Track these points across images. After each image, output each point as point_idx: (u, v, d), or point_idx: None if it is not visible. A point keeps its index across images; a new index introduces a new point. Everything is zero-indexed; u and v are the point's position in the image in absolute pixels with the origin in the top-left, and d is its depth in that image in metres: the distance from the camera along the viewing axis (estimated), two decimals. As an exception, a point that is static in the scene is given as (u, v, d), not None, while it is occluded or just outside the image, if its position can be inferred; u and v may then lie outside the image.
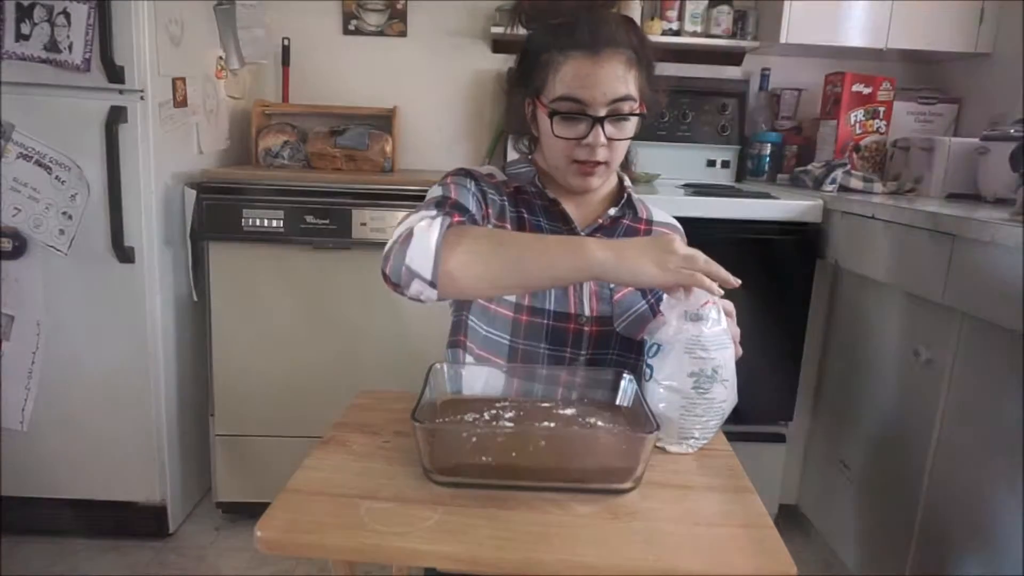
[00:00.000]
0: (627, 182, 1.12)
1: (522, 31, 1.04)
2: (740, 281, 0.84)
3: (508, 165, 1.11)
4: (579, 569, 0.64)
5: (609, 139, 0.97)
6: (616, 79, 0.95)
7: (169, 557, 1.89)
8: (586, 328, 1.03)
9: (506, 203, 1.05)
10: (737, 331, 0.91)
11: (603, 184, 1.05)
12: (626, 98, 0.96)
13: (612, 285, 1.04)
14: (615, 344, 1.04)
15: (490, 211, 1.03)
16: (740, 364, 0.89)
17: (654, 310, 1.04)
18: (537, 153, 1.10)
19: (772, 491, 2.03)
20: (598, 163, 0.99)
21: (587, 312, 1.03)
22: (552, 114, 0.97)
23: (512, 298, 1.01)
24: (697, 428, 0.86)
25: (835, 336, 1.96)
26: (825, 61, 2.35)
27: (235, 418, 1.97)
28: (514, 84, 1.07)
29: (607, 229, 1.08)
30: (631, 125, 0.99)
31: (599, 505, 0.72)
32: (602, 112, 0.96)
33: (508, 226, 1.04)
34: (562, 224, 1.06)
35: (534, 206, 1.07)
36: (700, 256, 0.83)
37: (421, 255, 0.83)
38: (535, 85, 1.01)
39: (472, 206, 0.97)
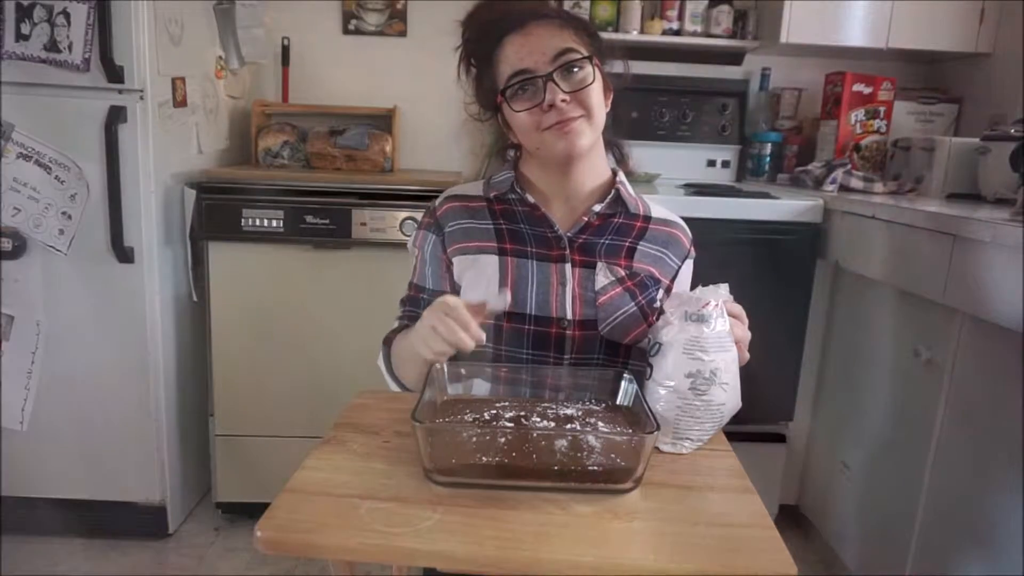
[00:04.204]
0: (620, 177, 1.09)
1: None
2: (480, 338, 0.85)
3: (493, 176, 1.11)
4: (579, 569, 0.63)
5: (569, 92, 0.96)
6: (552, 37, 0.97)
7: (169, 557, 1.89)
8: (568, 332, 1.00)
9: (472, 225, 1.05)
10: (746, 336, 0.90)
11: (593, 146, 1.02)
12: (568, 50, 0.96)
13: (596, 288, 1.02)
14: (600, 349, 1.01)
15: (457, 246, 1.05)
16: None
17: (645, 313, 1.02)
18: (521, 160, 1.10)
19: (772, 491, 2.03)
20: (572, 118, 0.96)
21: (569, 316, 1.00)
22: (506, 93, 0.98)
23: None
24: (694, 430, 0.85)
25: (835, 336, 1.96)
26: (825, 61, 2.35)
27: (235, 418, 1.97)
28: (485, 110, 1.08)
29: (596, 228, 1.05)
30: (586, 74, 0.98)
31: (599, 505, 0.72)
32: (548, 69, 0.96)
33: (480, 244, 1.04)
34: (544, 228, 1.04)
35: (516, 213, 1.06)
36: (442, 323, 0.84)
37: (388, 380, 1.08)
38: (493, 93, 1.02)
39: (429, 276, 1.09)
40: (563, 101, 0.95)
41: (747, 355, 0.91)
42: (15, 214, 1.72)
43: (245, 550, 1.92)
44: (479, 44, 1.03)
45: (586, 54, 0.98)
